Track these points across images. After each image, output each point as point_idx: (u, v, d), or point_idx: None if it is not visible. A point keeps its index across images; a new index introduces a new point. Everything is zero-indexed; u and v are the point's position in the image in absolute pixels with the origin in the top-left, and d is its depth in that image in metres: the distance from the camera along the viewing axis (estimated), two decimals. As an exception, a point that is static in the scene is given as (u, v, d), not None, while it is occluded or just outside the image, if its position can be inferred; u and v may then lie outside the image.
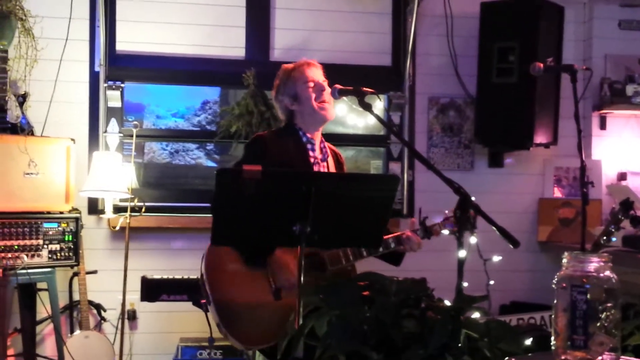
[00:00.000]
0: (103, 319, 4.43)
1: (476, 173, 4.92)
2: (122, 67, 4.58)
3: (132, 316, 4.48)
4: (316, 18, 4.84)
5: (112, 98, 4.51)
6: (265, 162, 3.00)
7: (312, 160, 3.20)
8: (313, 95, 3.19)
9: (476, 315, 2.14)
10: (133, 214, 4.30)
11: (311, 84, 3.21)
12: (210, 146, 5.02)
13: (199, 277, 2.95)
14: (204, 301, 2.94)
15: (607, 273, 2.06)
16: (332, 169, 3.30)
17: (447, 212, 3.15)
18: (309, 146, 3.21)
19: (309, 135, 3.23)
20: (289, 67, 3.30)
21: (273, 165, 3.02)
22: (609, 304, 2.03)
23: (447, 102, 4.91)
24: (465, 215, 2.65)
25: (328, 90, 3.19)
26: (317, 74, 3.25)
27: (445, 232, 2.94)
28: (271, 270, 2.96)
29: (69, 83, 4.48)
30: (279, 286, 2.94)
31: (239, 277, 2.94)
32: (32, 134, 4.13)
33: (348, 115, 4.89)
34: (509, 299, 4.77)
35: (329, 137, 3.79)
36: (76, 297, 4.31)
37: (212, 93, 5.06)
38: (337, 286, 2.06)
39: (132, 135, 4.39)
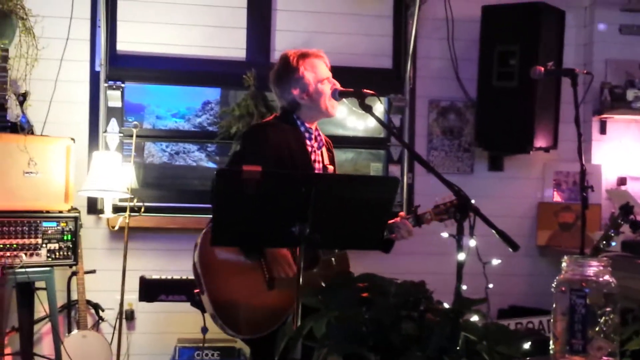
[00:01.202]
0: (101, 318, 4.43)
1: (476, 176, 4.92)
2: (122, 67, 4.58)
3: (130, 316, 4.48)
4: (317, 20, 4.84)
5: (113, 98, 4.51)
6: (264, 151, 3.02)
7: (309, 149, 3.19)
8: (329, 94, 3.16)
9: (475, 318, 2.14)
10: (132, 214, 4.30)
11: (325, 82, 3.15)
12: (211, 147, 5.02)
13: (192, 266, 2.95)
14: (197, 290, 2.94)
15: (607, 277, 2.06)
16: (326, 157, 3.29)
17: (437, 199, 3.13)
18: (306, 135, 3.20)
19: (307, 124, 3.21)
20: (297, 55, 3.19)
21: (272, 154, 3.03)
22: (608, 309, 2.03)
23: (448, 105, 4.91)
24: (465, 218, 2.65)
25: (338, 85, 3.18)
26: (326, 68, 3.21)
27: (445, 234, 2.93)
28: (266, 260, 2.96)
29: (70, 83, 4.48)
30: (273, 276, 2.95)
31: (232, 267, 2.94)
32: (32, 133, 4.12)
33: (348, 118, 4.90)
34: (508, 303, 4.77)
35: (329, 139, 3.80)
36: (74, 296, 4.31)
37: (212, 94, 5.06)
38: (335, 287, 2.05)
39: (132, 136, 4.39)
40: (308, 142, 3.21)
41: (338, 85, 3.18)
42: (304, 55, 3.20)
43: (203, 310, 3.02)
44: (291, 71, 3.17)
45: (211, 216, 2.58)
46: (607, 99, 4.79)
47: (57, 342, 4.03)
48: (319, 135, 3.29)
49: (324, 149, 3.31)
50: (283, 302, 2.91)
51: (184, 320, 4.33)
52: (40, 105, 4.33)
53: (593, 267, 2.06)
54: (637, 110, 4.75)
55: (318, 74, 3.17)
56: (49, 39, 4.33)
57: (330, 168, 3.30)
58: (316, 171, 3.20)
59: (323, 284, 2.18)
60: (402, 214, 3.21)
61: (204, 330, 3.70)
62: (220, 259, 2.91)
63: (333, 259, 3.07)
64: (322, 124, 3.39)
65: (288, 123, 3.20)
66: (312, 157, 3.20)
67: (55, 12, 4.42)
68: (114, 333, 4.33)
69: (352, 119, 4.91)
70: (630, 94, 4.75)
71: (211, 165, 5.10)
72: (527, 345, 2.25)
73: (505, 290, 4.63)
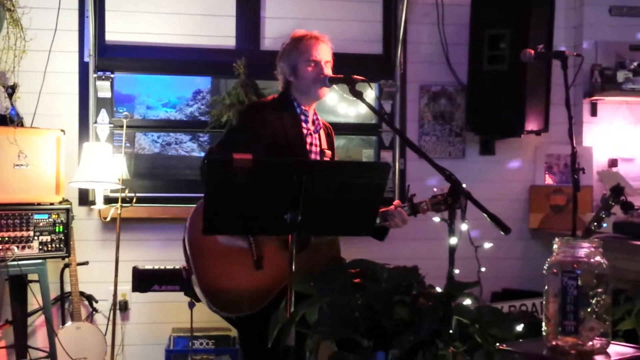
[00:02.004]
0: (95, 310, 4.42)
1: (468, 161, 4.91)
2: (111, 57, 4.55)
3: (123, 307, 4.47)
4: (307, 6, 4.81)
5: (102, 89, 4.48)
6: (259, 130, 3.03)
7: (305, 131, 3.22)
8: (312, 75, 3.18)
9: (468, 302, 2.15)
10: (124, 204, 4.29)
11: (312, 64, 3.19)
12: (203, 137, 5.00)
13: (182, 243, 2.97)
14: (185, 267, 2.96)
15: (598, 259, 2.07)
16: (324, 142, 3.31)
17: (435, 190, 3.13)
18: (302, 117, 3.23)
19: (303, 107, 3.24)
20: (297, 36, 3.26)
21: (267, 134, 3.06)
22: (599, 290, 2.05)
23: (439, 90, 4.90)
24: (457, 202, 2.66)
25: (328, 71, 3.19)
26: (323, 52, 3.22)
27: (437, 219, 2.93)
28: (256, 239, 2.97)
29: (59, 74, 4.45)
30: (261, 256, 2.96)
31: (221, 247, 2.96)
32: (22, 125, 4.10)
33: (339, 104, 4.88)
34: (501, 286, 4.78)
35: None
36: (67, 288, 4.30)
37: (203, 83, 5.03)
38: (328, 273, 2.05)
39: (122, 126, 4.37)
40: (304, 124, 3.22)
41: (326, 71, 3.18)
42: (304, 36, 3.25)
43: (190, 292, 3.04)
44: (287, 49, 3.26)
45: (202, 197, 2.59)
46: (597, 80, 4.79)
47: (51, 334, 4.02)
48: (317, 119, 3.30)
49: (322, 133, 3.32)
50: (269, 283, 2.94)
51: (178, 309, 4.32)
52: (29, 97, 4.30)
53: (584, 249, 2.08)
54: (628, 92, 4.75)
55: (307, 54, 3.19)
56: (37, 30, 4.29)
57: (328, 153, 3.31)
58: (313, 155, 3.21)
59: (313, 268, 2.19)
60: (398, 202, 3.21)
61: (191, 304, 3.71)
62: (209, 238, 2.91)
63: (323, 243, 3.08)
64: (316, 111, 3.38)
65: (285, 105, 3.23)
66: (308, 140, 3.22)
67: (42, 3, 4.38)
68: (108, 324, 4.33)
69: (343, 106, 4.90)
70: (621, 76, 4.74)
71: (203, 154, 5.08)
72: (519, 328, 2.27)
73: (499, 273, 4.64)
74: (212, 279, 2.91)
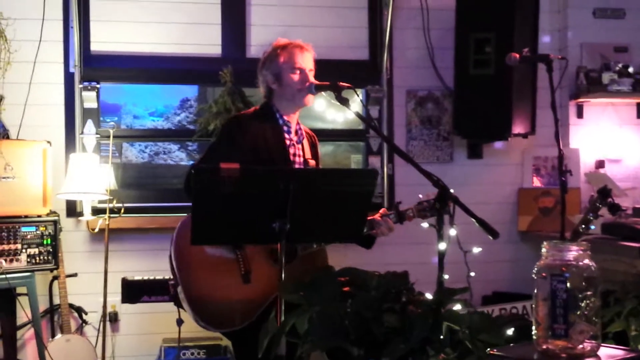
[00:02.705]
0: (84, 322, 4.39)
1: (455, 165, 4.92)
2: (97, 67, 4.53)
3: (113, 318, 4.44)
4: (292, 13, 4.82)
5: (88, 99, 4.47)
6: (241, 143, 3.02)
7: (287, 142, 3.20)
8: (297, 82, 3.17)
9: (458, 307, 2.15)
10: (112, 215, 4.27)
11: (297, 71, 3.18)
12: (192, 146, 4.98)
13: (168, 258, 2.94)
14: (172, 282, 2.93)
15: (586, 261, 2.07)
16: (307, 151, 3.30)
17: (420, 196, 3.13)
18: (285, 128, 3.21)
19: (285, 117, 3.22)
20: (280, 44, 3.24)
21: (249, 147, 3.04)
22: (588, 292, 2.05)
23: (425, 94, 4.91)
24: (445, 208, 2.66)
25: (311, 79, 3.18)
26: (306, 60, 3.21)
27: (425, 225, 2.94)
28: (243, 253, 2.95)
29: (44, 85, 4.43)
30: (249, 269, 2.94)
31: (208, 260, 2.93)
32: (8, 138, 4.08)
33: (327, 111, 4.88)
34: (491, 289, 4.79)
35: (308, 133, 3.80)
36: (56, 300, 4.27)
37: (190, 91, 5.02)
38: (317, 283, 2.05)
39: (109, 136, 4.35)
40: (286, 135, 3.21)
41: (311, 78, 3.17)
42: (287, 44, 3.24)
43: (178, 303, 3.01)
44: (270, 57, 3.24)
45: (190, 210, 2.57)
46: (583, 83, 4.81)
47: (41, 348, 3.99)
48: (300, 129, 3.29)
49: (305, 143, 3.30)
50: (257, 296, 2.92)
51: (168, 320, 4.28)
52: (15, 109, 4.28)
53: (572, 252, 2.08)
54: (613, 93, 4.78)
55: (291, 61, 3.18)
56: (22, 42, 4.28)
57: (312, 162, 3.30)
58: (296, 165, 3.20)
59: (301, 278, 2.18)
60: (384, 210, 3.21)
61: (179, 322, 3.69)
62: (195, 252, 2.90)
63: (311, 253, 3.07)
64: (302, 117, 3.38)
65: (267, 116, 3.21)
66: (291, 151, 3.20)
67: (27, 14, 4.36)
68: (98, 336, 4.30)
69: (331, 112, 4.90)
70: (606, 77, 4.77)
71: (192, 163, 5.06)
72: (510, 332, 2.27)
73: (489, 277, 4.65)
74: (199, 293, 2.88)
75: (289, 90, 3.18)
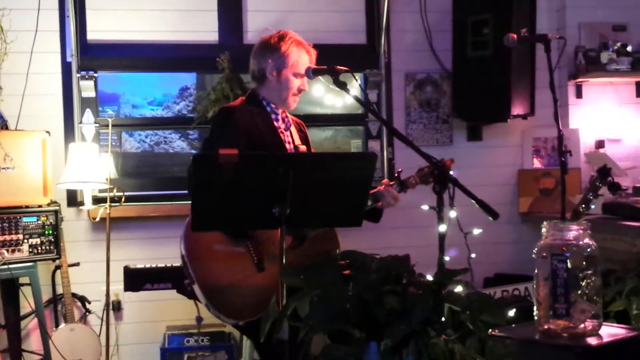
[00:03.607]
0: (88, 311, 4.41)
1: (455, 147, 4.92)
2: (94, 56, 4.53)
3: (117, 307, 4.46)
4: (289, -2, 4.80)
5: (86, 88, 4.46)
6: (234, 134, 3.01)
7: (277, 129, 3.20)
8: (293, 88, 3.18)
9: (459, 289, 2.15)
10: (113, 204, 4.27)
11: (299, 76, 3.17)
12: (193, 135, 4.97)
13: (180, 258, 2.93)
14: (187, 281, 2.93)
15: (587, 240, 2.08)
16: (297, 138, 3.29)
17: (420, 164, 3.13)
18: (273, 116, 3.22)
19: (272, 105, 3.22)
20: (294, 39, 3.20)
21: (242, 137, 3.03)
22: (589, 272, 2.05)
23: (424, 77, 4.90)
24: (444, 190, 2.66)
25: (306, 87, 3.20)
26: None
27: (425, 207, 2.93)
28: (254, 242, 2.94)
29: (41, 75, 4.41)
30: (261, 258, 2.93)
31: (219, 254, 2.92)
32: (7, 128, 4.08)
33: (325, 96, 4.87)
34: (493, 271, 4.80)
35: (307, 118, 3.80)
36: (59, 290, 4.28)
37: (189, 79, 5.01)
38: (318, 266, 2.05)
39: (107, 125, 4.35)
40: (275, 123, 3.20)
41: (306, 87, 3.19)
42: (301, 44, 3.21)
43: (197, 300, 3.00)
44: (279, 44, 3.19)
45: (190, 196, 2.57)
46: (581, 62, 4.80)
47: (45, 337, 4.01)
48: (286, 116, 3.29)
49: (292, 129, 3.30)
50: (274, 283, 2.90)
51: (171, 307, 4.32)
52: (12, 100, 4.27)
53: (573, 231, 2.08)
54: (612, 73, 4.76)
55: (298, 66, 3.18)
56: (18, 32, 4.26)
57: (302, 148, 3.29)
58: (288, 152, 3.19)
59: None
60: (386, 181, 3.21)
61: (199, 319, 3.71)
62: (206, 247, 2.89)
63: (321, 236, 3.07)
64: (300, 102, 3.37)
65: (254, 104, 3.20)
66: (282, 138, 3.19)
67: (22, 4, 4.34)
68: (101, 324, 4.32)
69: (329, 97, 4.89)
70: (605, 57, 4.76)
71: (193, 152, 5.06)
72: (511, 312, 2.27)
73: (490, 258, 4.66)
74: (216, 286, 2.86)
75: (283, 89, 3.18)
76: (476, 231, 2.73)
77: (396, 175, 3.19)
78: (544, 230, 2.12)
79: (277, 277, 2.86)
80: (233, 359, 4.13)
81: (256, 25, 4.72)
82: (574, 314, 2.01)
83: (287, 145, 3.21)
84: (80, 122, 4.47)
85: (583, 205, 3.32)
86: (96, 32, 4.57)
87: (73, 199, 4.43)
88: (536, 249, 2.09)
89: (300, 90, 3.21)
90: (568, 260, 2.02)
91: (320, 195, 2.58)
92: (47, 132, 4.05)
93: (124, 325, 4.51)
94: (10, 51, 4.20)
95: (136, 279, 3.92)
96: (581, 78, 4.84)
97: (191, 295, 3.06)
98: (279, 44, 3.19)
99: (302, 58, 3.19)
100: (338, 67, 2.99)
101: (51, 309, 4.35)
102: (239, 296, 2.89)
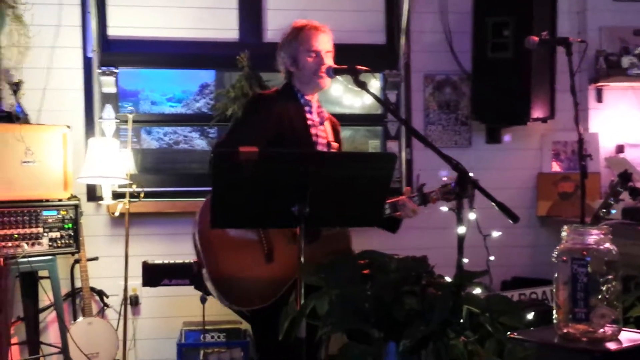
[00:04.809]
0: (106, 305, 4.44)
1: (474, 149, 4.90)
2: (115, 52, 4.56)
3: (134, 302, 4.49)
4: (309, -2, 4.81)
5: (107, 84, 4.49)
6: (265, 121, 3.03)
7: (309, 122, 3.21)
8: (312, 65, 3.17)
9: (477, 291, 2.15)
10: (132, 199, 4.29)
11: (313, 54, 3.18)
12: (212, 133, 4.99)
13: (192, 237, 2.96)
14: (196, 260, 2.95)
15: (607, 245, 2.07)
16: (330, 134, 3.30)
17: (444, 179, 3.12)
18: (306, 108, 3.22)
19: (306, 97, 3.23)
20: (297, 26, 3.24)
21: (273, 125, 3.05)
22: (609, 276, 2.04)
23: (443, 79, 4.89)
24: (465, 191, 2.65)
25: (329, 61, 3.18)
26: (323, 42, 3.21)
27: (445, 209, 2.93)
28: (266, 232, 2.96)
29: (62, 70, 4.46)
30: (272, 248, 2.95)
31: (231, 241, 2.94)
32: (28, 122, 4.12)
33: (344, 96, 4.87)
34: (510, 274, 4.78)
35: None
36: (78, 284, 4.32)
37: (208, 76, 5.03)
38: (337, 265, 2.05)
39: (127, 121, 4.38)
40: (308, 115, 3.22)
41: (327, 61, 3.17)
42: (304, 26, 3.23)
43: (198, 285, 3.02)
44: (287, 39, 3.24)
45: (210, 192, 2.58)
46: (602, 66, 4.77)
47: (63, 330, 4.05)
48: (321, 111, 3.29)
49: (327, 125, 3.31)
50: (281, 275, 2.93)
51: (188, 303, 4.34)
52: (34, 94, 4.31)
53: (593, 236, 2.07)
54: (633, 77, 4.73)
55: (307, 44, 3.18)
56: (40, 27, 4.30)
57: (335, 145, 3.30)
58: (319, 146, 3.20)
59: (323, 259, 2.19)
60: (408, 188, 3.20)
61: (203, 299, 3.72)
62: (218, 232, 2.91)
63: (334, 234, 3.08)
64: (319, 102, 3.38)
65: (288, 96, 3.22)
66: (313, 131, 3.20)
67: (44, -1, 4.38)
68: (119, 319, 4.34)
69: (348, 97, 4.90)
70: (626, 61, 4.73)
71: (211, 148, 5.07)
72: (530, 316, 2.27)
73: (508, 261, 4.64)
74: (224, 272, 2.90)
75: (305, 72, 3.19)
76: (495, 234, 2.73)
77: (418, 187, 3.19)
78: (564, 234, 2.11)
79: (284, 269, 2.90)
80: (249, 356, 4.14)
81: (276, 23, 4.73)
82: (593, 319, 2.01)
83: (320, 140, 3.21)
84: (101, 118, 4.50)
85: (604, 210, 3.30)
86: (117, 28, 4.61)
87: (93, 193, 4.47)
88: (556, 252, 2.09)
89: (320, 66, 3.15)
90: (588, 265, 2.01)
91: (339, 195, 2.57)
92: (68, 126, 4.08)
93: (141, 320, 4.54)
94: (32, 45, 4.24)
95: (154, 275, 3.95)
96: (602, 82, 4.81)
97: (196, 280, 3.07)
98: (286, 37, 3.25)
99: (309, 37, 3.19)
100: (358, 66, 2.99)
101: (69, 302, 4.39)
102: (245, 283, 2.92)
